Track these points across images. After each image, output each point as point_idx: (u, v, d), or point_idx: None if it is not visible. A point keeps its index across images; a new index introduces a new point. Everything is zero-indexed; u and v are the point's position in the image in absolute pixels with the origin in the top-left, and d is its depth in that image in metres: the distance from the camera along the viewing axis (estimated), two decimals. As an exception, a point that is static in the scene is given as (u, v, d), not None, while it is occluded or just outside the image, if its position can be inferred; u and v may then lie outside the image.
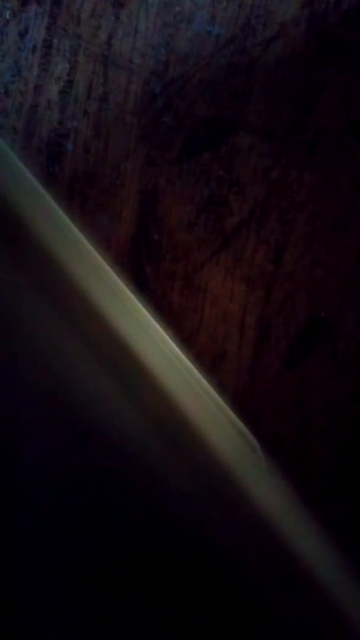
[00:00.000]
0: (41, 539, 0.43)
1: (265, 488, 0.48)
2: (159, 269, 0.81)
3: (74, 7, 0.82)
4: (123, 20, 0.81)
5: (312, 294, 0.78)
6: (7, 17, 0.83)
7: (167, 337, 0.54)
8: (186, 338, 0.80)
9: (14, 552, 0.43)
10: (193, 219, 0.80)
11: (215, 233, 0.80)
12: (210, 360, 0.80)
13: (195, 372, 0.57)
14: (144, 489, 0.43)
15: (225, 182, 0.79)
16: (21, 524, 0.42)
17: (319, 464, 0.78)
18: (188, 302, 0.80)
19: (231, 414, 0.61)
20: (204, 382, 0.58)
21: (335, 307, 0.78)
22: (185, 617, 0.47)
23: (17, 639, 0.44)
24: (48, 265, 0.36)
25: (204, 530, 0.45)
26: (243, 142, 0.79)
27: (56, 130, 0.82)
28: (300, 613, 0.49)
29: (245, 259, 0.79)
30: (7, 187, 0.35)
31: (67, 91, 0.82)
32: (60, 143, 0.82)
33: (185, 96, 0.80)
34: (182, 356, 0.56)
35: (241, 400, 0.79)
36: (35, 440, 0.41)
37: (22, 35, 0.82)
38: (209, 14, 0.79)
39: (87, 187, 0.82)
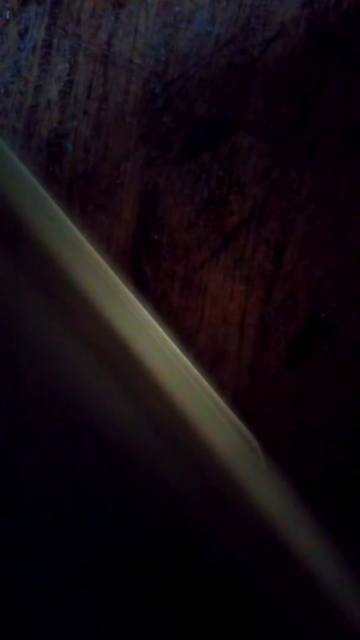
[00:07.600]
0: (41, 537, 0.43)
1: (265, 488, 0.48)
2: (159, 269, 0.81)
3: (74, 7, 0.82)
4: (123, 20, 0.81)
5: (312, 294, 0.78)
6: (7, 17, 0.83)
7: (167, 337, 0.54)
8: (186, 338, 0.80)
9: (14, 551, 0.43)
10: (193, 219, 0.80)
11: (215, 233, 0.80)
12: (210, 360, 0.80)
13: (195, 372, 0.57)
14: (144, 488, 0.43)
15: (225, 182, 0.79)
16: (21, 523, 0.42)
17: (319, 464, 0.78)
18: (188, 302, 0.80)
19: (231, 414, 0.61)
20: (204, 382, 0.58)
21: (335, 307, 0.78)
22: (185, 617, 0.47)
23: (17, 638, 0.44)
24: (48, 265, 0.36)
25: (203, 529, 0.45)
26: (243, 142, 0.79)
27: (56, 130, 0.82)
28: (300, 612, 0.49)
29: (245, 259, 0.79)
30: (7, 187, 0.35)
31: (67, 91, 0.82)
32: (60, 143, 0.82)
33: (185, 96, 0.80)
34: (182, 356, 0.56)
35: (241, 400, 0.79)
36: (35, 439, 0.41)
37: (22, 35, 0.82)
38: (209, 14, 0.79)
39: (87, 187, 0.82)
